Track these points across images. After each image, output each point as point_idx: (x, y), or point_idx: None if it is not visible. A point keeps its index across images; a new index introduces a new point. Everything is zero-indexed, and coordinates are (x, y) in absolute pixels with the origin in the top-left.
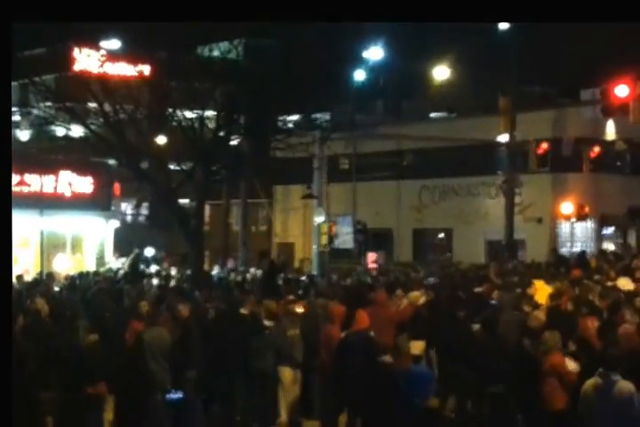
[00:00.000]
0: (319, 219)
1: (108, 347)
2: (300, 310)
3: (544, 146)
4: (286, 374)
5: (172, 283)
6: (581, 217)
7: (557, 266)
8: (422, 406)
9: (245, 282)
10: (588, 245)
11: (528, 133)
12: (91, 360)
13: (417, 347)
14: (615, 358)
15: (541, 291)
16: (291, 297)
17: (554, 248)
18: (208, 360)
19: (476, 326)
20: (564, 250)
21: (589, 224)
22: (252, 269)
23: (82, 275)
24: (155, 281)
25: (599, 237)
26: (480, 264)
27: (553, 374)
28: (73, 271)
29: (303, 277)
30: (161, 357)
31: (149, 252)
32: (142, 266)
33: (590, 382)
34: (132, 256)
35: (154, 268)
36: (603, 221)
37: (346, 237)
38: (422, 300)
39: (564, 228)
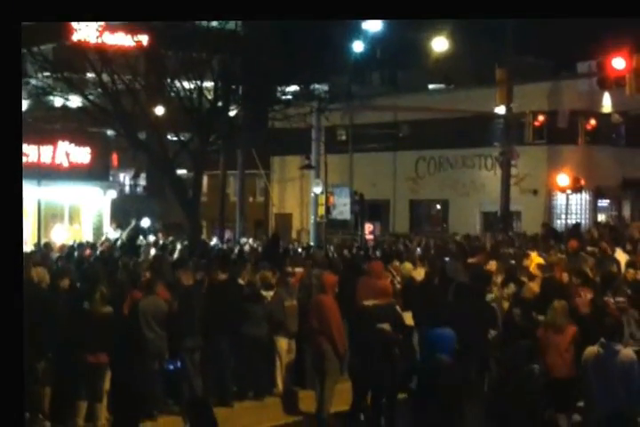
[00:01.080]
0: (317, 189)
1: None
2: (296, 280)
3: (541, 118)
4: (282, 344)
5: (176, 254)
6: (577, 189)
7: (548, 239)
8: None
9: (244, 252)
10: (583, 216)
11: (524, 105)
12: (98, 330)
13: (409, 318)
14: (613, 327)
15: (536, 262)
16: (290, 268)
17: (545, 222)
18: (204, 329)
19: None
20: (559, 222)
21: (585, 196)
22: (250, 240)
23: (81, 245)
24: (152, 251)
25: (594, 209)
26: (474, 235)
27: (573, 343)
28: (71, 241)
29: (300, 249)
30: (157, 325)
31: (146, 222)
32: (140, 237)
33: (591, 351)
34: (130, 227)
35: (152, 238)
36: (598, 193)
37: (343, 208)
38: (420, 271)
39: (560, 199)
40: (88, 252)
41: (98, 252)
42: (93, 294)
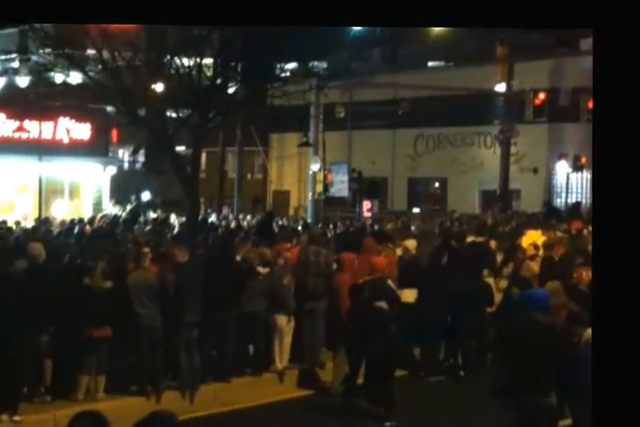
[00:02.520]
0: (315, 167)
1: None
2: (292, 257)
3: (542, 96)
4: (282, 321)
5: (175, 229)
6: (577, 168)
7: (549, 217)
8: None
9: (241, 229)
10: (583, 195)
11: (526, 83)
12: (100, 305)
13: (409, 295)
14: None
15: (536, 241)
16: (286, 244)
17: (546, 200)
18: (201, 305)
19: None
20: (559, 201)
21: (585, 175)
22: (248, 217)
23: (81, 220)
24: (148, 227)
25: None
26: (472, 214)
27: (568, 323)
28: (71, 217)
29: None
30: (148, 299)
31: (146, 196)
32: (142, 213)
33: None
34: (132, 204)
35: (152, 215)
36: None
37: (341, 186)
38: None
39: (560, 178)
40: (87, 227)
41: (95, 226)
42: (94, 268)
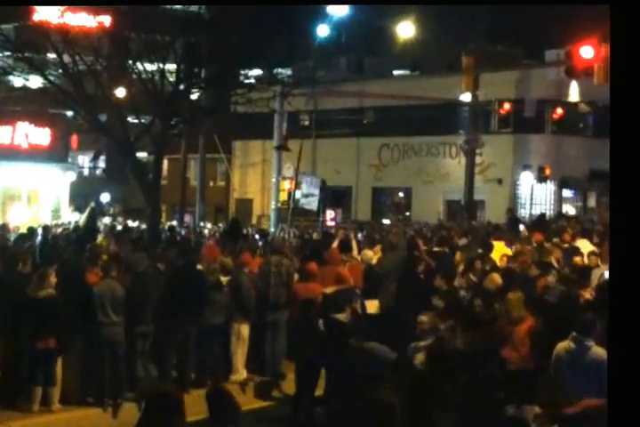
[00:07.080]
0: (288, 173)
1: (62, 300)
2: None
3: (507, 106)
4: (245, 330)
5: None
6: (542, 179)
7: (515, 228)
8: None
9: (203, 237)
10: (547, 207)
11: (491, 93)
12: (37, 315)
13: (371, 306)
14: (588, 322)
15: (500, 253)
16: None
17: (509, 207)
18: (163, 315)
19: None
20: (524, 211)
21: (550, 186)
22: (209, 225)
23: (46, 227)
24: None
25: (559, 200)
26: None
27: (529, 335)
28: (29, 224)
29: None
30: (111, 310)
31: (105, 197)
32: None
33: (562, 346)
34: (87, 211)
35: (107, 220)
36: (563, 184)
37: (311, 199)
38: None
39: (524, 189)
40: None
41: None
42: (30, 277)
